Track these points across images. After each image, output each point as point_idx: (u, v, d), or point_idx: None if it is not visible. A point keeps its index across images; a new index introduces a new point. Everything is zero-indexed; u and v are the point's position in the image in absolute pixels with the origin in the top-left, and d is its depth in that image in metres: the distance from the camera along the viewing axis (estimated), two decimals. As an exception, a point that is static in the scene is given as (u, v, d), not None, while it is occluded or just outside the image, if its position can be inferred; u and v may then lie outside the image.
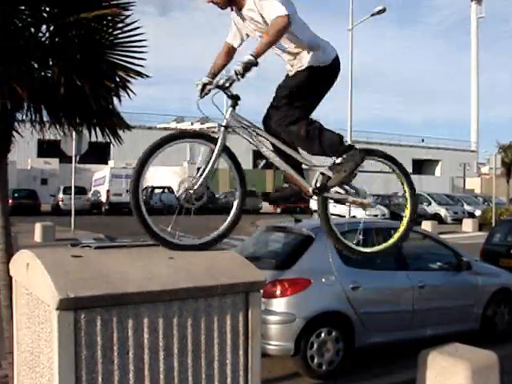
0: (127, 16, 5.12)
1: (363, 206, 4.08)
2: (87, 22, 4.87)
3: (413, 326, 7.49)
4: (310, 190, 3.86)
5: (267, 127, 3.95)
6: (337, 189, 3.95)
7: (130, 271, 3.06)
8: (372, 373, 6.95)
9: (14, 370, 3.57)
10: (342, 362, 6.87)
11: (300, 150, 4.01)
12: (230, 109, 3.72)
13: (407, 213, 4.24)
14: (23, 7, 4.91)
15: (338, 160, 3.84)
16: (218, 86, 3.61)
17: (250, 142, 3.85)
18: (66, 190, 33.55)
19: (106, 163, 39.78)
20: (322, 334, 6.75)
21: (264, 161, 52.67)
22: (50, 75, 4.86)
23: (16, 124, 5.22)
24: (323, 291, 6.87)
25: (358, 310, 6.97)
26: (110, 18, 5.11)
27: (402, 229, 4.24)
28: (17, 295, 3.51)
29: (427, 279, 7.70)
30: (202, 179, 3.63)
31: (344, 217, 24.95)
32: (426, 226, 25.39)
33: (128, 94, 5.32)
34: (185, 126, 44.38)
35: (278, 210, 40.78)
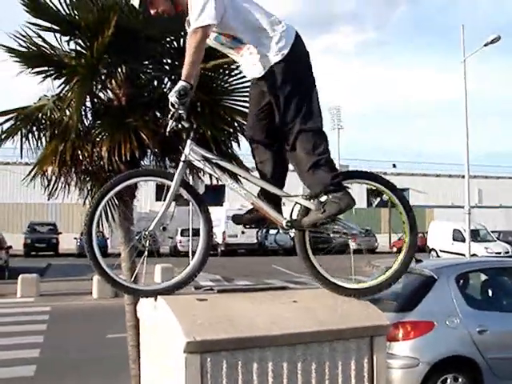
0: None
1: (346, 237, 3.55)
2: (205, 71, 5.09)
3: (548, 373, 6.95)
4: (284, 223, 3.43)
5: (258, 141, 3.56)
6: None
7: (255, 315, 3.07)
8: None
9: (141, 410, 3.66)
10: (470, 410, 6.49)
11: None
12: (189, 141, 3.41)
13: (404, 246, 3.60)
14: (147, 62, 5.21)
15: (323, 198, 3.38)
16: (171, 125, 3.33)
17: (212, 175, 3.58)
18: (184, 232, 34.49)
19: (221, 205, 40.63)
20: (448, 381, 6.44)
21: (378, 199, 51.66)
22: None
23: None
24: (448, 334, 6.56)
25: (485, 354, 6.58)
26: (225, 66, 5.31)
27: (398, 261, 3.59)
28: (144, 336, 3.62)
29: (561, 321, 7.14)
30: (156, 219, 3.38)
31: (463, 255, 23.95)
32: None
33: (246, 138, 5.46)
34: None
35: (395, 250, 39.75)
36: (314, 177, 3.35)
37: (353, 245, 3.82)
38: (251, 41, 3.38)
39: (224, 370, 2.87)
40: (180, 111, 3.25)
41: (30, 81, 5.22)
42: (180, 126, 3.32)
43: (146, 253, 3.46)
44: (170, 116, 3.30)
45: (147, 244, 3.36)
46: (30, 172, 5.48)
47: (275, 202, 3.53)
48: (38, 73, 5.17)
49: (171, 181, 3.36)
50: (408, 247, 3.60)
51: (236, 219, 3.67)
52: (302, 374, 3.04)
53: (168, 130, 3.36)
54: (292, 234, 3.58)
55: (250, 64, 3.46)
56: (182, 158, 3.40)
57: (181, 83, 3.20)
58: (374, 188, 3.69)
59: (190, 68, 3.24)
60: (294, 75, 3.36)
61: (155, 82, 5.41)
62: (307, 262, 3.48)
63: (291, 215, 3.46)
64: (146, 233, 3.35)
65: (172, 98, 3.21)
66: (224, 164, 3.55)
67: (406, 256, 3.59)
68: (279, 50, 3.35)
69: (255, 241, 37.82)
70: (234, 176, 3.69)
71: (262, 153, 3.58)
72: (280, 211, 3.52)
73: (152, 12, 3.50)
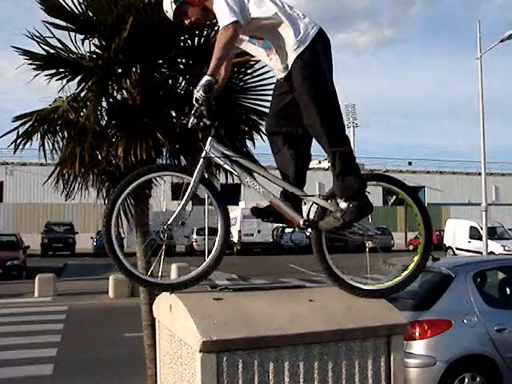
0: (256, 61, 5.28)
1: (362, 238, 3.57)
2: (219, 70, 5.08)
3: None
4: (301, 222, 3.43)
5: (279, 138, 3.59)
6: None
7: (271, 314, 3.06)
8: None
9: (158, 409, 3.66)
10: (488, 410, 6.42)
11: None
12: (210, 138, 3.40)
13: (420, 247, 3.61)
14: (161, 61, 5.21)
15: (343, 205, 3.36)
16: (193, 122, 3.33)
17: (232, 173, 3.61)
18: (200, 231, 34.56)
19: (237, 204, 40.59)
20: (466, 380, 6.36)
21: (394, 197, 51.41)
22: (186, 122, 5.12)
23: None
24: (465, 333, 6.50)
25: (504, 353, 6.50)
26: (240, 65, 5.30)
27: (414, 262, 3.59)
28: (160, 336, 3.62)
29: None
30: (175, 214, 3.39)
31: (481, 253, 23.73)
32: None
33: (261, 137, 5.46)
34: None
35: (411, 247, 39.50)
36: (343, 183, 3.35)
37: (369, 243, 3.81)
38: (273, 39, 3.38)
39: (240, 370, 2.86)
40: (202, 108, 3.24)
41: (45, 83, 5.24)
42: (202, 123, 3.32)
43: (163, 247, 3.48)
44: (193, 112, 3.29)
45: (165, 238, 3.37)
46: (52, 174, 5.51)
47: (294, 201, 3.52)
48: (53, 75, 5.18)
49: (190, 176, 3.37)
50: (423, 248, 3.60)
51: (255, 211, 3.66)
52: (318, 374, 3.02)
53: (189, 126, 3.36)
54: (308, 233, 3.57)
55: (277, 66, 3.47)
56: (203, 155, 3.40)
57: (206, 78, 3.18)
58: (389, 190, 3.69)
59: (217, 63, 3.22)
60: (313, 70, 3.33)
61: (170, 82, 5.42)
62: (323, 264, 3.49)
63: (308, 215, 3.47)
64: (165, 227, 3.36)
65: (198, 92, 3.19)
66: (244, 162, 3.53)
67: (421, 257, 3.59)
68: (298, 46, 3.31)
69: (271, 239, 37.82)
70: (252, 174, 3.68)
71: (279, 145, 3.59)
72: (299, 210, 3.51)
73: (186, 22, 3.51)
